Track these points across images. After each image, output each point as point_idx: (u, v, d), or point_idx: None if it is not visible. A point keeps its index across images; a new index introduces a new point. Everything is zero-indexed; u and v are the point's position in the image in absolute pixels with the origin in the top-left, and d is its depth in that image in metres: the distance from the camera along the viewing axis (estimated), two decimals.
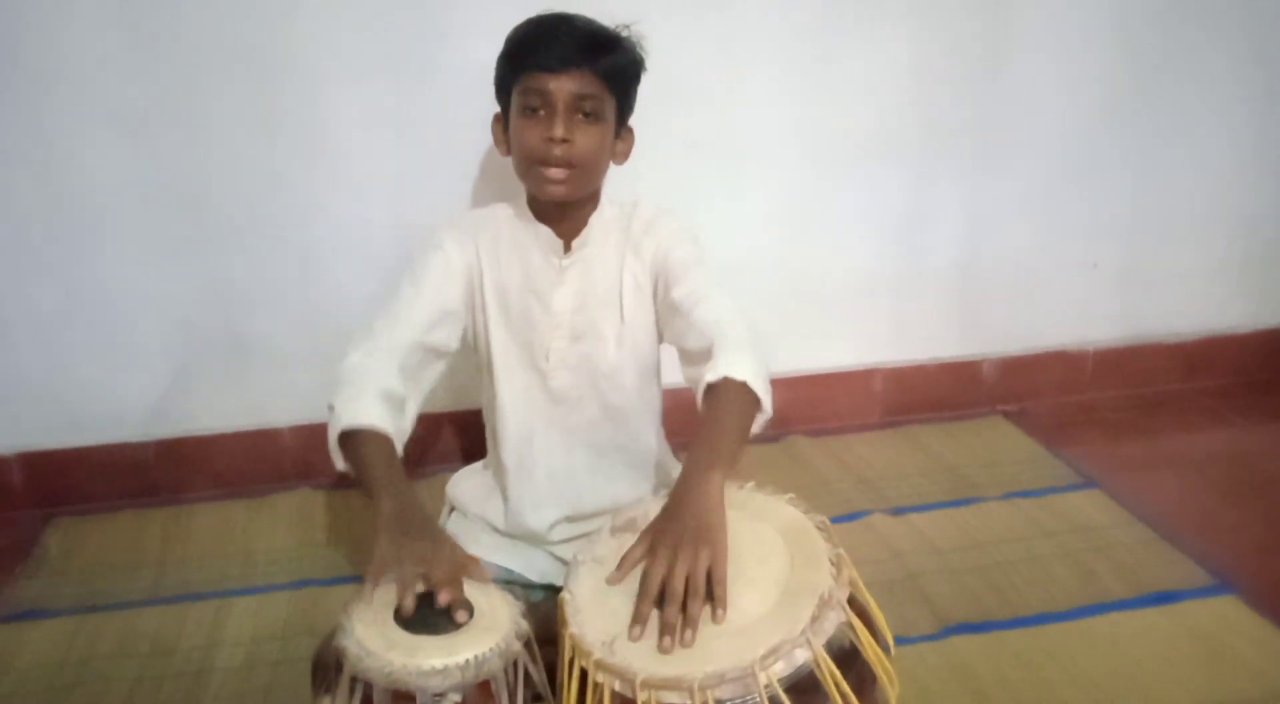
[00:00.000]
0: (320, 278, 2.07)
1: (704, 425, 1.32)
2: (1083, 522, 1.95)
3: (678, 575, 1.15)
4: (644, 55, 1.52)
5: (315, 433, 2.10)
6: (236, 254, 2.03)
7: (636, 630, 1.15)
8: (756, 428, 1.35)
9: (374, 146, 2.00)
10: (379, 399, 1.40)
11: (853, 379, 2.38)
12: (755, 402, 1.34)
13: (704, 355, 1.40)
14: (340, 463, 1.40)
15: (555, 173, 1.45)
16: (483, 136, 1.94)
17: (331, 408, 1.40)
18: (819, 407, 2.35)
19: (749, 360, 1.35)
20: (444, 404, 2.17)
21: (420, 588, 1.18)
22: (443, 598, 1.16)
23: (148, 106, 1.90)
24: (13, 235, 1.94)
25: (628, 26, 1.51)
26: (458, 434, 2.21)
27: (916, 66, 2.16)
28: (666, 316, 1.54)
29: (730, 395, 1.32)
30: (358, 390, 1.41)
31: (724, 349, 1.36)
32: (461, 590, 1.20)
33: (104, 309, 2.02)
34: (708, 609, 1.14)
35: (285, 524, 2.03)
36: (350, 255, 2.06)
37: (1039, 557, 1.84)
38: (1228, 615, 1.66)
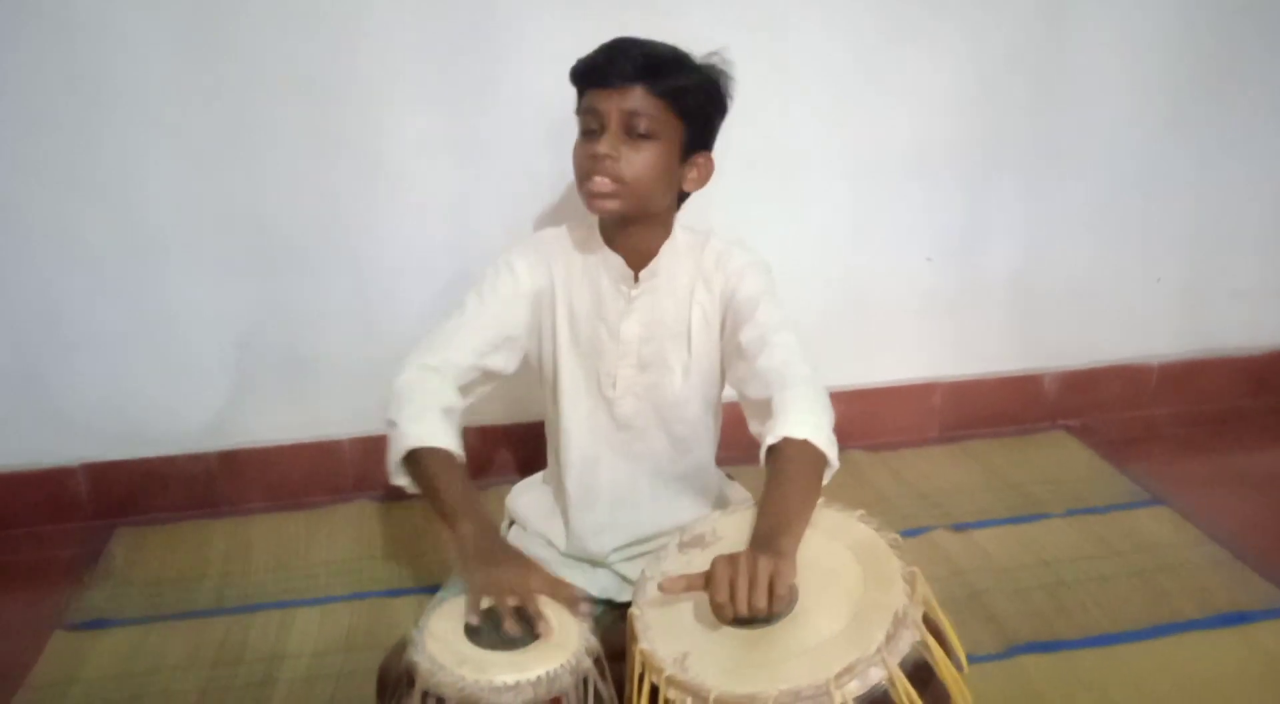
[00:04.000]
0: (378, 297, 2.09)
1: (769, 489, 1.30)
2: (1150, 540, 1.92)
3: (741, 574, 1.14)
4: (728, 82, 1.49)
5: (373, 446, 2.14)
6: (296, 274, 2.05)
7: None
8: (825, 480, 1.33)
9: (432, 170, 2.02)
10: (443, 418, 1.40)
11: (911, 393, 2.36)
12: (820, 458, 1.32)
13: (764, 406, 1.39)
14: (401, 480, 1.40)
15: (600, 184, 1.41)
16: (539, 161, 1.97)
17: (394, 424, 1.40)
18: (877, 421, 2.34)
19: (811, 415, 1.33)
20: (500, 417, 2.18)
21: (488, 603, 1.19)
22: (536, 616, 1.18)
23: (209, 131, 1.93)
24: (79, 257, 1.98)
25: (715, 53, 1.47)
26: (514, 448, 2.22)
27: (974, 80, 2.14)
28: (733, 359, 1.51)
29: (794, 456, 1.30)
30: (421, 408, 1.40)
31: (784, 405, 1.35)
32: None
33: (166, 328, 2.05)
34: (783, 635, 1.13)
35: (344, 536, 2.05)
36: (408, 276, 2.08)
37: (1106, 575, 1.81)
38: None
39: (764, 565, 1.14)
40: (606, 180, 1.42)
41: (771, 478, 1.31)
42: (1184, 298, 2.41)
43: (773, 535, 1.22)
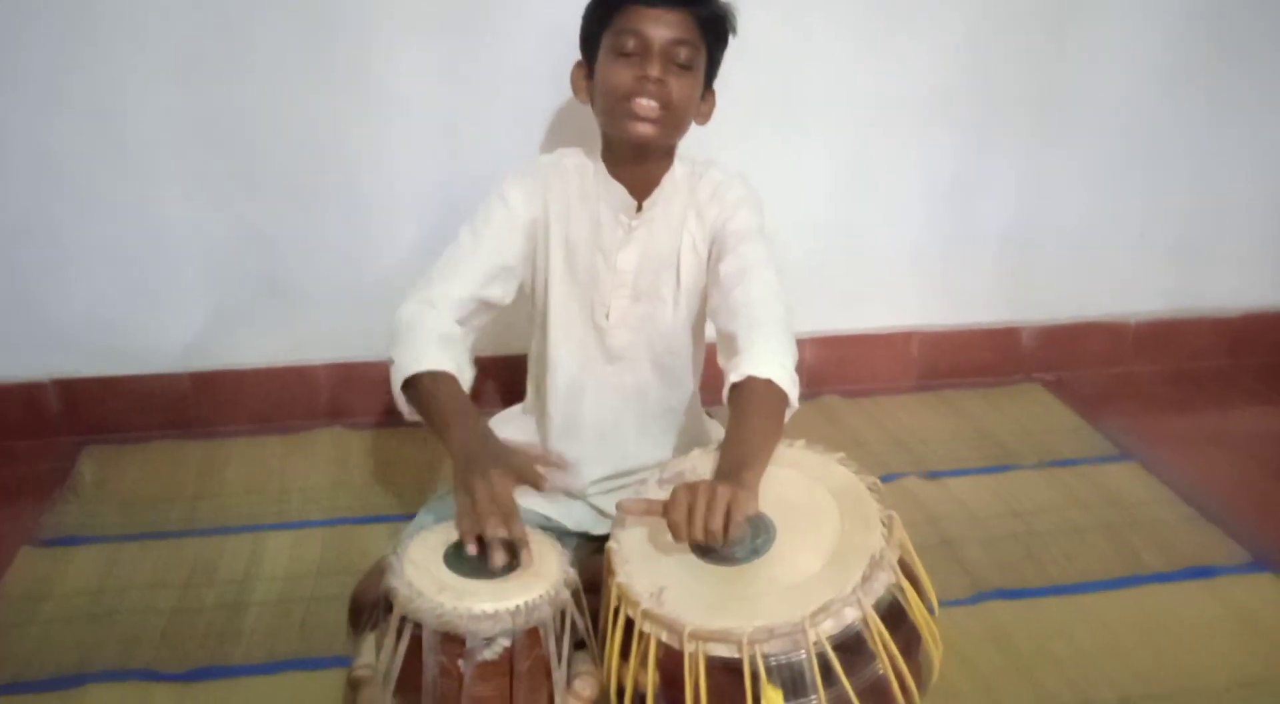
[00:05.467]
0: (364, 225, 2.06)
1: (733, 426, 1.31)
2: (1120, 494, 1.94)
3: (700, 498, 1.16)
4: (735, 16, 1.49)
5: (350, 372, 2.14)
6: (282, 199, 2.02)
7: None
8: (785, 419, 1.35)
9: (425, 100, 1.98)
10: (440, 345, 1.40)
11: (890, 341, 2.36)
12: (782, 397, 1.33)
13: (730, 342, 1.40)
14: (407, 412, 1.40)
15: (647, 107, 1.40)
16: (537, 92, 1.93)
17: (393, 358, 1.40)
18: (856, 368, 2.34)
19: (777, 355, 1.35)
20: (485, 348, 2.16)
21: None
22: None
23: (197, 48, 1.88)
24: (60, 173, 1.93)
25: None
26: (498, 379, 2.21)
27: (978, 34, 2.12)
28: (709, 286, 1.52)
29: (758, 394, 1.32)
30: (414, 338, 1.40)
31: (750, 342, 1.36)
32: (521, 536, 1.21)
33: (149, 246, 2.01)
34: (760, 573, 1.14)
35: (320, 461, 2.04)
36: (396, 205, 2.05)
37: (1075, 527, 1.83)
38: (1264, 592, 1.65)
39: (723, 492, 1.16)
40: (655, 104, 1.41)
41: (735, 415, 1.33)
42: (1170, 258, 2.41)
43: (736, 468, 1.24)
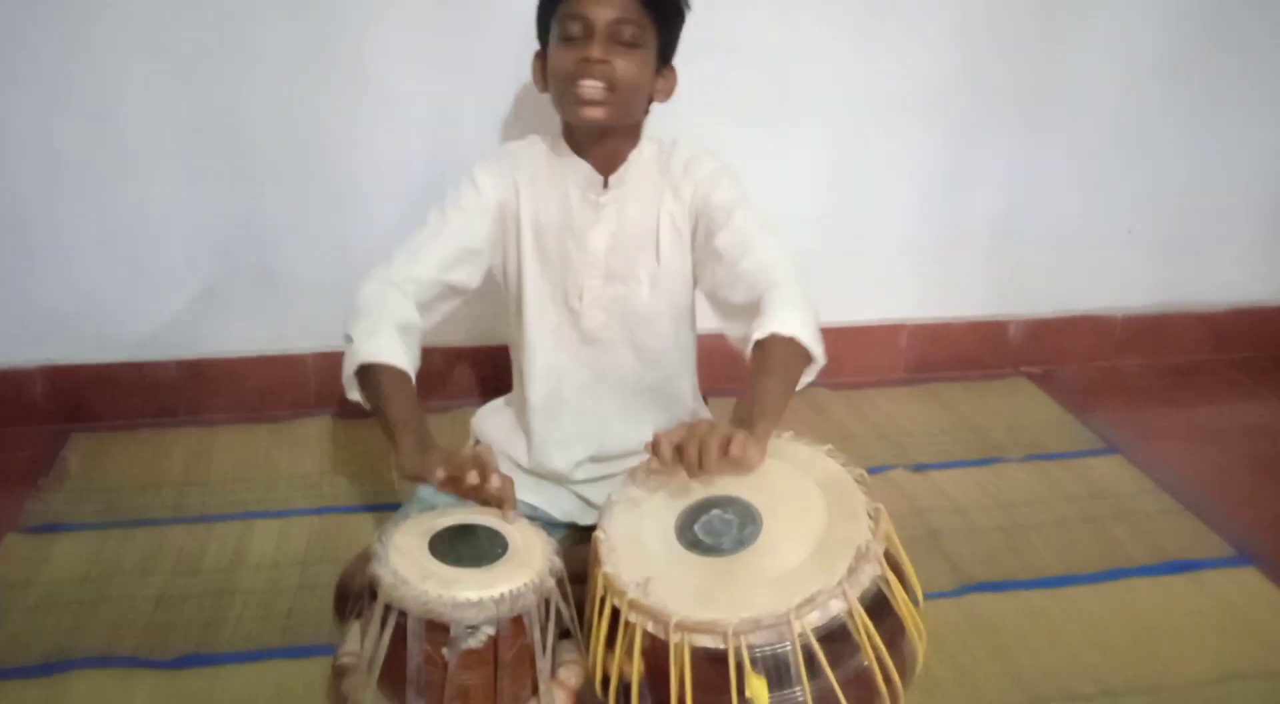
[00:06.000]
0: (351, 211, 2.05)
1: (751, 379, 1.31)
2: (1105, 487, 1.94)
3: (695, 432, 1.18)
4: None
5: (337, 362, 2.08)
6: (270, 186, 2.01)
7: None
8: (810, 376, 1.36)
9: (412, 83, 1.97)
10: (397, 334, 1.40)
11: (879, 334, 2.37)
12: (805, 354, 1.33)
13: (750, 309, 1.39)
14: (354, 394, 1.41)
15: (591, 88, 1.40)
16: (522, 76, 1.92)
17: (349, 338, 1.40)
18: (844, 360, 2.33)
19: (798, 312, 1.34)
20: (466, 339, 2.17)
21: (442, 476, 1.23)
22: (495, 480, 1.23)
23: (187, 35, 1.88)
24: (50, 159, 1.92)
25: None
26: (479, 369, 2.21)
27: (969, 26, 2.12)
28: (708, 264, 1.51)
29: (779, 350, 1.32)
30: (375, 323, 1.40)
31: (772, 304, 1.35)
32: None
33: (135, 233, 2.01)
34: (747, 564, 1.14)
35: (307, 450, 2.03)
36: (382, 190, 2.04)
37: (1060, 520, 1.84)
38: (1248, 586, 1.66)
39: (724, 430, 1.17)
40: (599, 85, 1.41)
41: (756, 369, 1.32)
42: (1159, 252, 2.42)
43: (750, 418, 1.24)
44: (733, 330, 1.45)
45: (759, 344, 1.33)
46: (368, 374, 1.37)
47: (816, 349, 1.34)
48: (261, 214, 2.03)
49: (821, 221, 2.23)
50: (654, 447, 1.20)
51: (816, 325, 1.36)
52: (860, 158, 2.19)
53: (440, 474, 1.23)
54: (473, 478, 1.22)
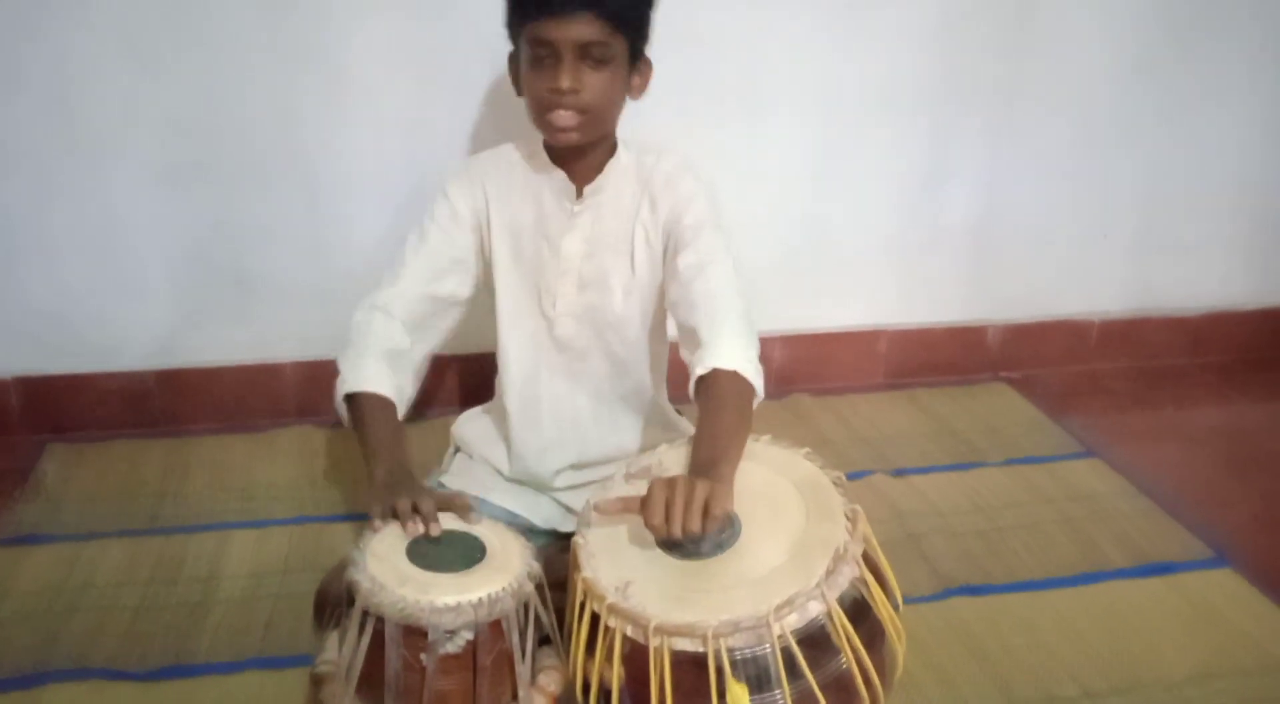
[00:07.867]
0: (329, 215, 2.04)
1: (704, 419, 1.34)
2: (1083, 490, 1.95)
3: (678, 495, 1.16)
4: None
5: (316, 371, 2.11)
6: (246, 188, 2.00)
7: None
8: (752, 409, 1.38)
9: (389, 83, 1.96)
10: (380, 360, 1.45)
11: (858, 339, 2.37)
12: (749, 388, 1.37)
13: (692, 335, 1.44)
14: (346, 421, 1.46)
15: (564, 118, 1.41)
16: (500, 74, 1.92)
17: (338, 368, 1.46)
18: (823, 366, 2.35)
19: (739, 346, 1.38)
20: (448, 347, 2.15)
21: (379, 527, 1.24)
22: (434, 529, 1.22)
23: (161, 36, 1.86)
24: (24, 162, 1.91)
25: None
26: (461, 377, 2.20)
27: (943, 21, 2.12)
28: (670, 281, 1.52)
29: (727, 386, 1.36)
30: (360, 352, 1.46)
31: (714, 335, 1.40)
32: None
33: (110, 238, 1.99)
34: (725, 566, 1.14)
35: (285, 460, 2.02)
36: (361, 193, 2.03)
37: (1039, 523, 1.85)
38: (1224, 588, 1.67)
39: (701, 488, 1.17)
40: (571, 113, 1.41)
41: (705, 408, 1.36)
42: (1131, 254, 2.43)
43: (711, 463, 1.25)
44: (683, 352, 1.49)
45: (702, 380, 1.37)
46: (352, 403, 1.43)
47: (758, 383, 1.38)
48: (238, 218, 2.01)
49: (796, 222, 2.23)
50: (644, 518, 1.18)
51: (756, 357, 1.40)
52: (834, 159, 2.19)
53: (377, 525, 1.25)
54: (411, 530, 1.23)
